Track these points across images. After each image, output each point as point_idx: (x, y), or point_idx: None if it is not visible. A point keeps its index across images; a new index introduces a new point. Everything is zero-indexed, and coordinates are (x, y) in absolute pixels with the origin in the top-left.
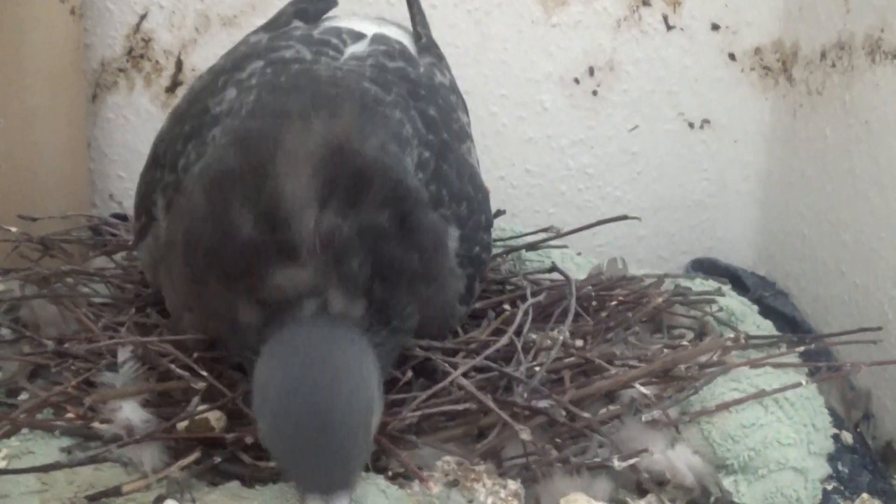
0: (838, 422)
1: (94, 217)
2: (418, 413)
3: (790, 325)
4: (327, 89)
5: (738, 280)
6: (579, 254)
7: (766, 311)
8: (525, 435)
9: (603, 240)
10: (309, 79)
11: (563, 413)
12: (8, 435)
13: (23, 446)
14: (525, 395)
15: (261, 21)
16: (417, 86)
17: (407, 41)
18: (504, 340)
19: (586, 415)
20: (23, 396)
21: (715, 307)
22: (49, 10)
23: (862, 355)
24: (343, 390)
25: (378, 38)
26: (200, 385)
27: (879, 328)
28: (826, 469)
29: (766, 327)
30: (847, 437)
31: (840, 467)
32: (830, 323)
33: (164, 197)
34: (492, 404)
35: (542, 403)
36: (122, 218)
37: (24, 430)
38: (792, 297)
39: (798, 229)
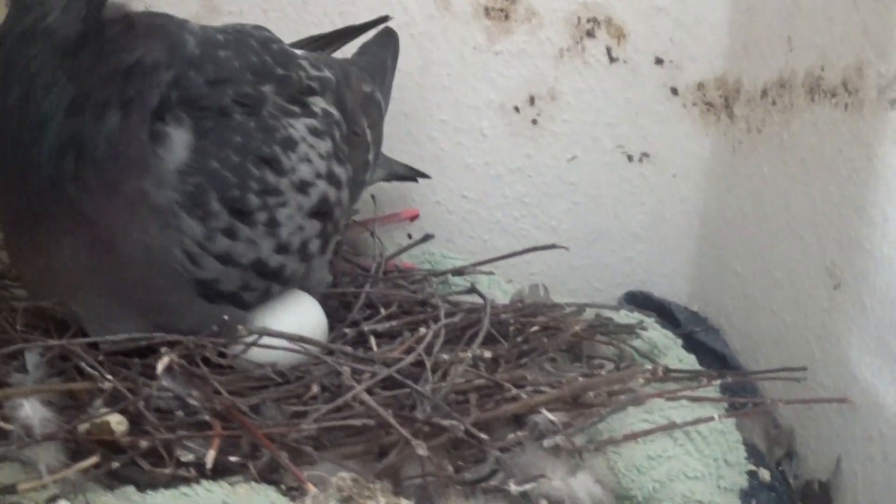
0: (758, 458)
1: None
2: (314, 426)
3: (719, 361)
4: None
5: (670, 314)
6: (510, 281)
7: (696, 347)
8: (422, 450)
9: (536, 268)
10: None
11: (464, 433)
12: None
13: None
14: (428, 410)
15: None
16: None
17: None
18: (411, 358)
19: (484, 436)
20: None
21: (637, 339)
22: None
23: (788, 393)
24: None
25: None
26: (107, 386)
27: (804, 368)
28: None
29: (690, 361)
30: (765, 474)
31: None
32: (760, 360)
33: None
34: (391, 420)
35: (445, 423)
36: None
37: None
38: (723, 334)
39: (732, 266)
